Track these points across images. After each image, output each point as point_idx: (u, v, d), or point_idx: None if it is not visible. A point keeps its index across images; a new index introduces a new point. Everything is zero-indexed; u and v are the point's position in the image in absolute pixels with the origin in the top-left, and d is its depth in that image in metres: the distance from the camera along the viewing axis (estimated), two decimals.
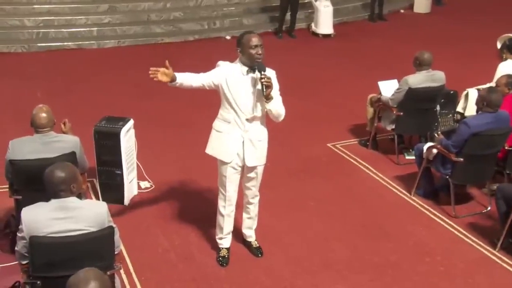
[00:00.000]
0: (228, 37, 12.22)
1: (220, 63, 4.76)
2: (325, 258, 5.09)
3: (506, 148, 5.81)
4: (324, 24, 12.52)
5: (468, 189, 6.30)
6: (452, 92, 7.14)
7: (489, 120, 5.57)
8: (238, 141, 4.67)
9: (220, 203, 4.91)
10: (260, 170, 4.87)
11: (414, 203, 6.06)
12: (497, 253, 5.24)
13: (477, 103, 5.80)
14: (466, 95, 6.87)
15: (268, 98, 4.45)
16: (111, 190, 5.75)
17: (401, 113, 6.64)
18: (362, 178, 6.58)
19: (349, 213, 5.84)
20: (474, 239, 5.45)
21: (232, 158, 4.70)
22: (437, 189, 6.15)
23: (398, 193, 6.26)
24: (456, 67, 9.05)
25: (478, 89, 6.58)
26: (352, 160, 6.94)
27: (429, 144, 6.03)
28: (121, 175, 5.67)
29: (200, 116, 8.04)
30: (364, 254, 5.17)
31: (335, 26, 12.70)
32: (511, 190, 5.29)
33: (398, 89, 6.67)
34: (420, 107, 6.64)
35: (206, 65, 10.73)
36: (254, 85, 4.56)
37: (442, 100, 6.92)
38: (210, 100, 8.57)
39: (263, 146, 4.77)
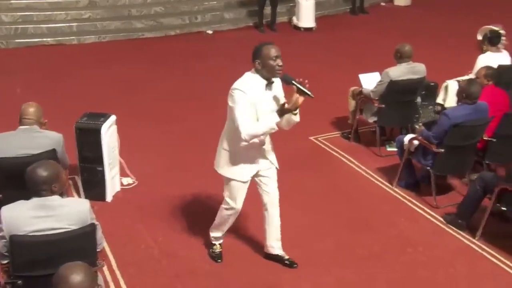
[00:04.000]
0: (209, 32, 12.20)
1: (240, 86, 4.26)
2: (309, 251, 5.11)
3: (485, 138, 5.88)
4: (306, 17, 12.54)
5: (449, 180, 6.37)
6: (432, 84, 7.21)
7: (469, 111, 5.63)
8: (256, 158, 4.49)
9: (226, 212, 4.73)
10: (275, 169, 4.68)
11: (396, 195, 6.11)
12: (477, 242, 5.31)
13: (457, 95, 5.87)
14: (446, 87, 6.94)
15: (298, 107, 4.22)
16: (93, 187, 5.73)
17: (383, 106, 6.68)
18: (344, 170, 6.62)
19: (332, 205, 5.87)
20: (454, 228, 5.50)
21: (249, 178, 4.54)
22: (418, 180, 6.20)
23: (380, 184, 6.31)
24: (436, 59, 9.10)
25: (458, 81, 6.65)
26: (334, 153, 6.97)
27: (410, 135, 6.09)
28: (103, 172, 5.65)
29: (184, 111, 8.07)
30: (348, 246, 5.21)
31: (317, 19, 12.73)
32: (491, 178, 5.38)
33: (379, 81, 6.70)
34: (401, 99, 6.68)
35: (187, 60, 10.83)
36: (273, 98, 4.34)
37: (423, 92, 6.99)
38: (193, 94, 8.68)
39: (273, 149, 4.65)
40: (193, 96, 8.64)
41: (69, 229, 3.61)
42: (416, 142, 5.92)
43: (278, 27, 12.51)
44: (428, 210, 5.81)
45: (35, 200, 3.60)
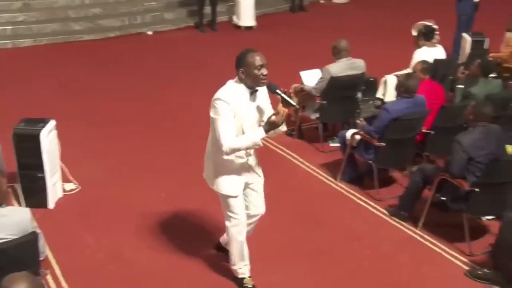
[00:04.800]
0: (149, 33, 12.08)
1: (223, 97, 4.07)
2: (259, 249, 5.08)
3: (423, 131, 6.04)
4: (246, 16, 12.59)
5: (390, 173, 6.51)
6: (372, 79, 7.36)
7: (407, 105, 5.79)
8: (244, 170, 4.31)
9: (234, 229, 4.39)
10: (262, 183, 4.54)
11: (341, 189, 6.21)
12: (419, 232, 5.46)
13: (396, 89, 6.01)
14: (385, 82, 7.10)
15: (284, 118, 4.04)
16: (34, 194, 5.58)
17: (324, 102, 6.76)
18: (289, 167, 6.68)
19: (280, 202, 5.89)
20: (397, 220, 5.64)
21: (240, 191, 4.34)
22: (361, 174, 6.32)
23: (325, 180, 6.39)
24: (374, 55, 9.27)
25: (396, 76, 6.81)
26: (279, 151, 7.02)
27: (352, 130, 6.20)
28: (44, 178, 5.52)
29: (126, 113, 7.97)
30: (297, 243, 5.24)
31: (257, 17, 12.79)
32: (430, 169, 5.55)
33: (320, 78, 6.80)
34: (342, 95, 6.79)
35: (128, 62, 10.69)
36: (257, 109, 4.19)
37: (363, 87, 7.12)
38: (135, 96, 8.58)
39: (259, 161, 4.49)
40: (135, 98, 8.53)
41: (9, 239, 3.52)
42: (358, 137, 6.03)
43: (218, 26, 12.50)
44: (372, 203, 5.94)
45: None
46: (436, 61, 7.10)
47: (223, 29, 12.49)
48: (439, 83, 6.75)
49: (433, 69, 6.65)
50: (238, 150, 4.11)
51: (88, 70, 9.75)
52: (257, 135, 4.03)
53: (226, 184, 4.29)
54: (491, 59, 7.69)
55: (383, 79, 7.15)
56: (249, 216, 4.52)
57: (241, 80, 4.11)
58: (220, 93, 4.11)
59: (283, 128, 4.18)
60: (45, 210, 5.56)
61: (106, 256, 5.00)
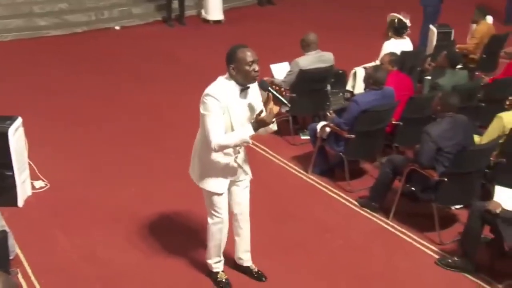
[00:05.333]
0: (117, 28, 11.97)
1: (213, 93, 3.98)
2: (232, 243, 5.11)
3: (392, 122, 6.11)
4: (214, 10, 12.55)
5: (361, 164, 6.58)
6: (341, 71, 7.42)
7: (376, 96, 5.85)
8: (231, 167, 4.25)
9: (215, 227, 4.41)
10: (248, 181, 4.48)
11: (312, 182, 6.25)
12: (390, 222, 5.54)
13: (364, 81, 6.07)
14: (354, 74, 7.17)
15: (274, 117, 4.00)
16: (2, 192, 5.49)
17: (294, 95, 6.79)
18: (261, 161, 6.69)
19: (252, 196, 5.83)
20: (368, 211, 5.70)
21: (226, 189, 4.30)
22: (332, 166, 6.38)
23: (296, 173, 6.43)
24: (343, 48, 9.35)
25: (365, 68, 6.87)
26: (250, 145, 7.00)
27: (322, 123, 6.24)
28: (13, 176, 5.44)
29: (95, 111, 7.89)
30: (270, 236, 5.26)
31: (225, 11, 12.76)
32: (399, 160, 5.62)
33: (289, 71, 6.82)
34: (312, 88, 6.83)
35: (96, 57, 10.56)
36: (248, 106, 4.12)
37: (332, 80, 7.17)
38: (104, 93, 8.50)
39: (247, 159, 4.43)
40: (104, 95, 8.46)
41: None
42: (328, 129, 6.08)
43: (187, 20, 12.44)
44: (343, 195, 6.00)
45: None
46: (403, 53, 7.19)
47: (192, 23, 12.43)
48: (407, 74, 6.84)
49: (400, 61, 6.73)
50: (227, 147, 4.06)
51: (55, 66, 9.61)
52: (246, 132, 3.97)
53: (212, 182, 4.25)
54: (457, 50, 7.81)
55: (352, 71, 7.22)
56: (233, 216, 4.53)
57: (231, 77, 4.02)
58: (210, 89, 4.02)
59: (274, 126, 4.15)
60: (14, 209, 5.48)
61: (78, 255, 4.96)
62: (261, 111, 3.98)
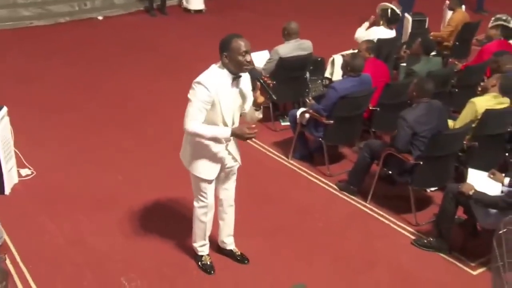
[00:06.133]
0: (100, 18, 11.98)
1: (205, 82, 4.01)
2: (214, 226, 5.21)
3: (370, 108, 6.26)
4: (195, 0, 12.60)
5: (340, 149, 6.73)
6: (319, 59, 7.54)
7: (354, 83, 5.98)
8: (221, 154, 4.30)
9: (201, 211, 4.50)
10: (236, 168, 4.57)
11: (292, 167, 6.39)
12: (368, 205, 5.70)
13: (342, 68, 6.19)
14: (332, 61, 7.29)
15: (260, 105, 4.15)
16: None
17: (274, 82, 6.87)
18: (243, 147, 6.74)
19: None
20: (347, 194, 5.86)
21: (215, 175, 4.37)
22: (312, 151, 6.52)
23: (277, 158, 6.57)
24: (321, 36, 9.45)
25: (343, 55, 7.00)
26: None
27: (302, 109, 6.36)
28: None
29: (78, 99, 7.95)
30: (252, 220, 5.37)
31: (206, 1, 12.81)
32: (376, 145, 5.77)
33: (269, 59, 6.94)
34: (291, 75, 6.95)
35: (79, 47, 10.56)
36: (239, 94, 4.17)
37: (311, 67, 7.29)
38: (88, 82, 8.55)
39: (238, 147, 4.49)
40: (87, 85, 8.51)
41: None
42: (307, 115, 6.21)
43: (168, 10, 12.49)
44: (322, 179, 6.14)
45: None
46: (379, 40, 7.33)
47: (174, 13, 12.48)
48: (383, 61, 6.98)
49: (377, 48, 6.87)
50: (200, 136, 4.12)
51: (39, 56, 9.63)
52: (223, 133, 4.09)
53: (202, 168, 4.30)
54: (432, 38, 7.98)
55: (331, 59, 7.34)
56: (219, 201, 4.63)
57: (224, 65, 4.06)
58: (202, 77, 4.06)
59: (259, 115, 4.26)
60: (1, 196, 5.55)
61: (66, 240, 5.04)
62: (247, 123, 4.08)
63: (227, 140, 4.28)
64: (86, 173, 6.08)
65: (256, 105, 4.18)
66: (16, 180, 5.85)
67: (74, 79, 8.69)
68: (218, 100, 4.04)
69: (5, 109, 5.70)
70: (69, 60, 9.51)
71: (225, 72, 4.07)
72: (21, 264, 4.72)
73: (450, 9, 9.14)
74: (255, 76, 4.09)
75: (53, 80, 8.60)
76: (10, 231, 4.98)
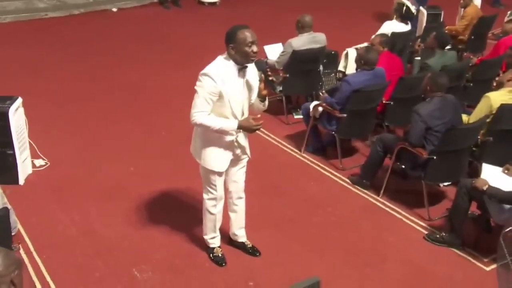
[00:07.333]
0: (114, 9, 12.02)
1: (211, 73, 4.02)
2: (224, 218, 5.23)
3: (383, 102, 6.24)
4: None
5: (352, 143, 6.72)
6: (333, 52, 7.51)
7: (368, 77, 5.96)
8: (231, 146, 4.30)
9: (210, 203, 4.52)
10: (246, 161, 4.56)
11: (305, 160, 6.39)
12: (380, 199, 5.68)
13: (356, 62, 6.17)
14: (346, 55, 7.26)
15: (265, 96, 4.21)
16: (4, 171, 5.56)
17: (287, 75, 6.90)
18: (255, 139, 6.74)
19: (247, 173, 5.97)
20: (360, 188, 5.85)
21: (225, 167, 4.37)
22: (324, 145, 6.51)
23: (289, 151, 6.56)
24: (335, 29, 9.44)
25: (356, 49, 6.97)
26: None
27: (315, 102, 6.35)
28: (14, 155, 5.52)
29: (92, 91, 7.99)
30: (264, 212, 5.38)
31: None
32: (390, 139, 5.75)
33: (282, 52, 6.92)
34: (305, 68, 6.93)
35: (93, 39, 10.60)
36: (245, 85, 4.17)
37: (325, 61, 7.27)
38: (102, 74, 8.58)
39: (248, 139, 4.49)
40: (101, 76, 8.55)
41: None
42: (320, 109, 6.19)
43: (182, 2, 12.48)
44: (335, 173, 6.13)
45: None
46: (394, 34, 7.30)
47: (187, 5, 12.47)
48: (397, 55, 6.95)
49: (391, 42, 6.84)
50: (207, 128, 4.14)
51: (53, 48, 9.68)
52: (230, 126, 4.11)
53: (213, 160, 4.31)
54: (446, 31, 7.93)
55: (344, 52, 7.31)
56: (229, 193, 4.64)
57: (230, 56, 4.05)
58: (208, 69, 4.07)
59: (264, 106, 4.30)
60: (16, 186, 5.57)
61: (78, 231, 5.07)
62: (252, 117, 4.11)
63: (237, 132, 4.28)
64: (98, 164, 6.11)
65: (260, 96, 4.20)
66: (30, 170, 5.87)
67: (87, 71, 8.73)
68: (225, 91, 4.04)
69: (20, 99, 5.72)
70: (83, 51, 9.55)
71: (231, 63, 4.07)
72: (34, 254, 4.77)
73: (462, 6, 9.09)
74: (262, 67, 4.11)
75: (66, 71, 8.65)
76: (24, 221, 5.02)
